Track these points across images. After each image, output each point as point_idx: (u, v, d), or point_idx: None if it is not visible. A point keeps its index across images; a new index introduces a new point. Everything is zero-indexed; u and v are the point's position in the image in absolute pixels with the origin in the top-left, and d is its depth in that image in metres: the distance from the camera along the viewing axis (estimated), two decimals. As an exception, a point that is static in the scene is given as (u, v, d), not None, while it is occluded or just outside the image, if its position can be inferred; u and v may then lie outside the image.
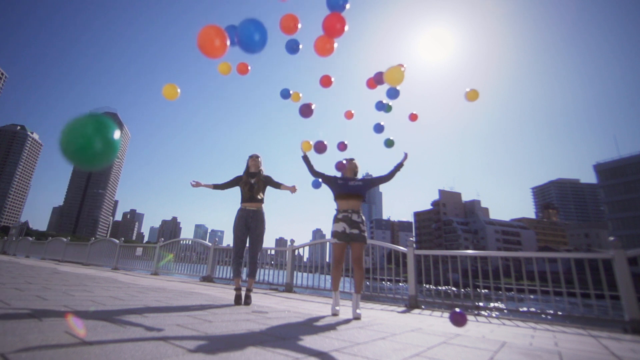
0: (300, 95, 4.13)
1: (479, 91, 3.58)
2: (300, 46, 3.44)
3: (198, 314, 2.37)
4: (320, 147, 3.46)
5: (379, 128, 4.19)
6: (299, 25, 2.92)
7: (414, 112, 4.25)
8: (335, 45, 2.95)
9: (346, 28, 2.76)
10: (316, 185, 3.64)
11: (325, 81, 3.93)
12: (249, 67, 3.96)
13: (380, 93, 4.17)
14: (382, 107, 4.18)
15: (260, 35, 2.11)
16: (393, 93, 4.01)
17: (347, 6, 2.75)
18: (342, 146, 4.29)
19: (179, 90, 3.17)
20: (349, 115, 4.49)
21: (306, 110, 3.52)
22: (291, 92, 4.11)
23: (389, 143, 4.01)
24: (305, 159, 3.57)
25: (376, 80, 3.87)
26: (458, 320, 2.19)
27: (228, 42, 1.98)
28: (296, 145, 3.65)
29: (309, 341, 1.73)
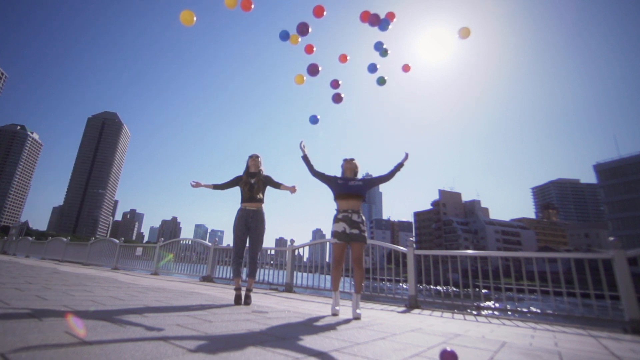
0: (300, 39, 4.09)
1: (470, 28, 3.63)
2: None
3: (198, 314, 2.37)
4: (313, 70, 3.50)
5: (372, 68, 4.26)
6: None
7: (407, 64, 4.28)
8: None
9: None
10: (314, 121, 3.70)
11: (318, 11, 3.90)
12: (252, 5, 3.84)
13: (376, 33, 4.14)
14: (379, 48, 4.21)
15: None
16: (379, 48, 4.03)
17: None
18: (334, 84, 4.23)
19: (195, 18, 3.24)
20: (343, 58, 4.44)
21: (314, 69, 3.55)
22: (290, 34, 4.07)
23: (381, 81, 4.07)
24: (305, 159, 3.57)
25: (371, 21, 3.85)
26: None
27: None
28: (296, 145, 3.64)
29: (309, 341, 1.73)
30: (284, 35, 3.92)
